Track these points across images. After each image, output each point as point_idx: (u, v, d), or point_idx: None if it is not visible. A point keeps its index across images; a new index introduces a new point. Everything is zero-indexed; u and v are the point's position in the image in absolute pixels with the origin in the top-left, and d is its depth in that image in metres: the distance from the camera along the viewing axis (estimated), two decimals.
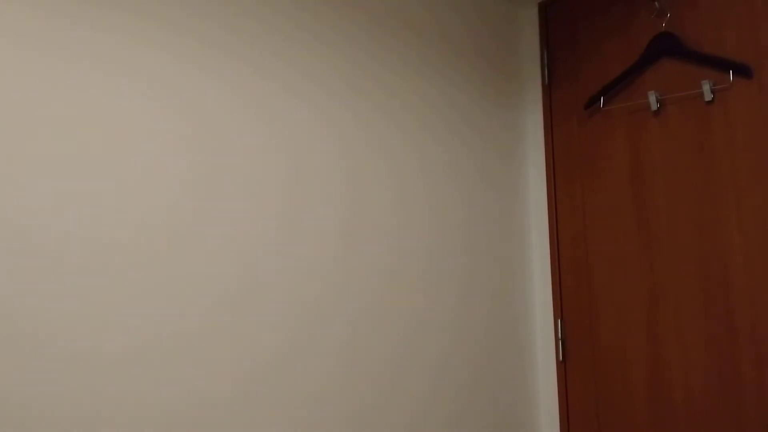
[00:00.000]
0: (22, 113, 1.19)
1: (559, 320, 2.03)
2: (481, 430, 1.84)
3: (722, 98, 1.78)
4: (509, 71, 2.15)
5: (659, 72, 1.90)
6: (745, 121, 1.73)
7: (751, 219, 1.70)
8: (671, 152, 1.85)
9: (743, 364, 1.68)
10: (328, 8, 1.67)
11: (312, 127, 1.60)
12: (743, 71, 1.73)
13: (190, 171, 1.39)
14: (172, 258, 1.34)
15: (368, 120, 1.71)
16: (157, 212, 1.33)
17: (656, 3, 1.91)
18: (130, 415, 1.25)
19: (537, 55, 2.18)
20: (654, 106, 1.87)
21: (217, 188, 1.42)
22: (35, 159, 1.20)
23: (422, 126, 1.84)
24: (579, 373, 1.97)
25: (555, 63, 2.14)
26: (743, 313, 1.69)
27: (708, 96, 1.78)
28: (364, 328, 1.62)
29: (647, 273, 1.86)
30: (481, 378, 1.87)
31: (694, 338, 1.76)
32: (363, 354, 1.61)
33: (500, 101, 2.09)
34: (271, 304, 1.47)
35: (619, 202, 1.94)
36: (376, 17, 1.78)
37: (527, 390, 2.00)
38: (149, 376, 1.28)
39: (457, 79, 1.96)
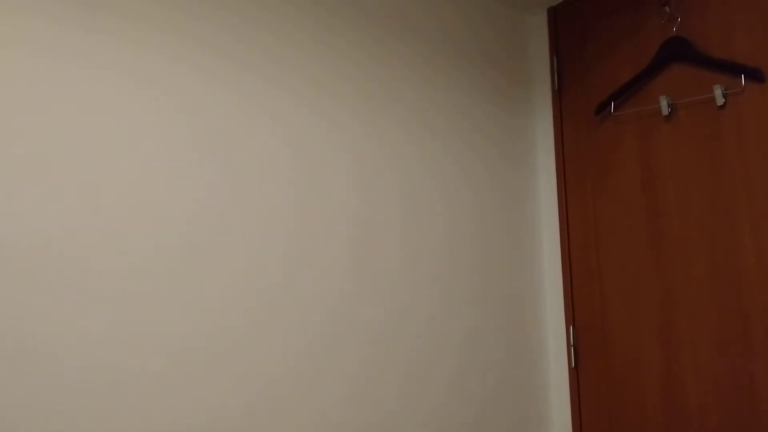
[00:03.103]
0: (34, 128, 1.20)
1: (571, 327, 2.02)
2: None
3: (734, 103, 1.76)
4: (519, 77, 2.15)
5: (670, 77, 1.89)
6: (757, 126, 1.72)
7: (764, 224, 1.69)
8: (683, 157, 1.84)
9: (758, 370, 1.66)
10: (337, 18, 1.68)
11: (323, 136, 1.60)
12: (755, 75, 1.72)
13: (205, 182, 1.39)
14: (189, 273, 1.34)
15: (378, 128, 1.72)
16: (172, 230, 1.33)
17: (667, 7, 1.90)
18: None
19: (547, 61, 2.18)
20: (665, 111, 1.86)
21: (232, 201, 1.42)
22: (51, 177, 1.21)
23: (432, 134, 1.84)
24: (592, 380, 1.96)
25: (565, 68, 2.13)
26: (757, 319, 1.67)
27: (720, 101, 1.77)
28: (378, 338, 1.62)
29: (659, 279, 1.85)
30: (493, 386, 1.86)
31: (707, 344, 1.75)
32: (378, 365, 1.61)
33: (510, 107, 2.09)
34: (286, 318, 1.46)
35: (631, 207, 1.93)
36: (385, 25, 1.78)
37: (540, 397, 1.99)
38: (165, 394, 1.28)
39: (467, 86, 1.96)
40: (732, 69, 1.76)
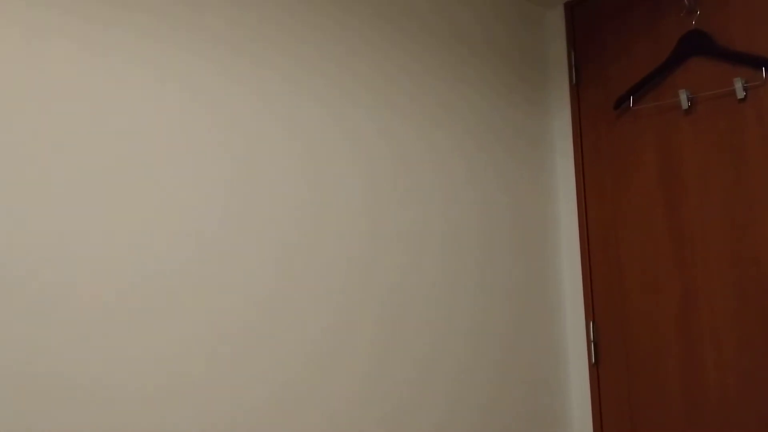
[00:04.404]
0: (40, 127, 1.21)
1: (591, 323, 2.01)
2: None
3: (755, 96, 1.74)
4: (536, 73, 2.13)
5: (690, 70, 1.87)
6: None
7: None
8: (703, 151, 1.82)
9: None
10: (354, 17, 1.68)
11: (335, 136, 1.59)
12: None
13: (217, 179, 1.40)
14: (200, 276, 1.34)
15: (390, 127, 1.71)
16: (186, 231, 1.34)
17: (685, 0, 1.88)
18: None
19: (564, 56, 2.16)
20: (685, 104, 1.85)
21: (243, 199, 1.42)
22: (52, 176, 1.22)
23: (440, 129, 1.84)
24: (612, 376, 1.95)
25: (582, 63, 2.12)
26: None
27: (740, 94, 1.75)
28: (390, 331, 1.62)
29: (680, 274, 1.83)
30: (512, 382, 1.86)
31: (729, 339, 1.73)
32: (391, 357, 1.61)
33: (527, 102, 2.08)
34: (294, 317, 1.46)
35: (651, 202, 1.91)
36: (397, 22, 1.78)
37: (560, 394, 1.98)
38: (174, 402, 1.29)
39: (481, 83, 1.95)
40: (753, 62, 1.74)
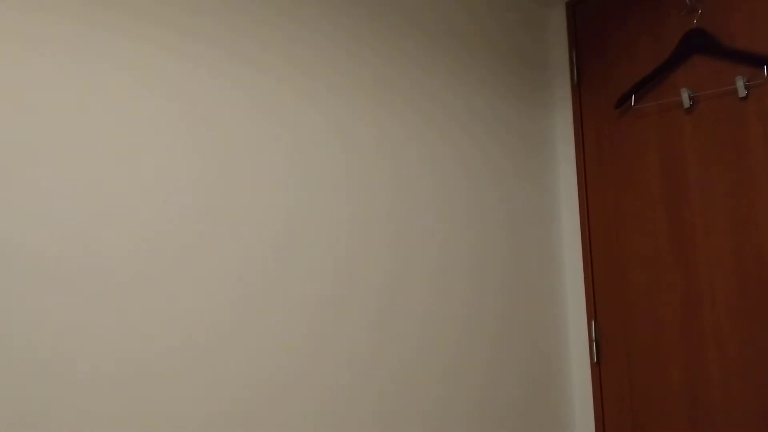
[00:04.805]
0: (28, 116, 1.21)
1: (593, 322, 2.01)
2: None
3: (757, 94, 1.74)
4: (537, 72, 2.14)
5: (691, 69, 1.87)
6: None
7: None
8: (704, 150, 1.82)
9: None
10: (348, 18, 1.68)
11: (321, 131, 1.58)
12: None
13: (200, 174, 1.38)
14: (182, 264, 1.33)
15: (385, 131, 1.70)
16: (164, 221, 1.32)
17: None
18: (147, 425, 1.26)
19: (565, 55, 2.17)
20: (686, 103, 1.85)
21: (227, 194, 1.41)
22: (45, 173, 1.22)
23: (438, 130, 1.84)
24: (614, 375, 1.95)
25: (584, 63, 2.12)
26: None
27: (742, 92, 1.75)
28: (378, 329, 1.60)
29: (682, 273, 1.83)
30: (513, 381, 1.85)
31: (732, 337, 1.73)
32: (384, 356, 1.61)
33: (529, 101, 2.08)
34: (281, 307, 1.45)
35: (653, 201, 1.91)
36: (394, 23, 1.77)
37: (561, 393, 1.98)
38: (166, 387, 1.29)
39: (481, 84, 1.95)
40: (754, 60, 1.74)
